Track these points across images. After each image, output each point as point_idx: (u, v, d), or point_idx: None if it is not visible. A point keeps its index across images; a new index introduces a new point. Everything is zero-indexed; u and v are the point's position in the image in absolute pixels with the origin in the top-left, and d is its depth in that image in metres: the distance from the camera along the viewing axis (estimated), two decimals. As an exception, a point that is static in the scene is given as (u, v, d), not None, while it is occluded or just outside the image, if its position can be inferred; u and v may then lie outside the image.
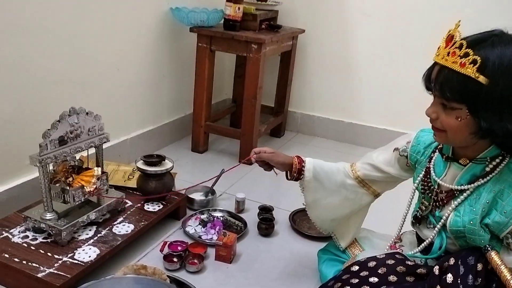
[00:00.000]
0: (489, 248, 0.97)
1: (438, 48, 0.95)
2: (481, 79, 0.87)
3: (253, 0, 2.49)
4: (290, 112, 2.84)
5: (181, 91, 2.46)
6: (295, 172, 1.28)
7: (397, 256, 1.08)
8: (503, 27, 0.92)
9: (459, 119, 0.93)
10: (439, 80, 0.93)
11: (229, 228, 1.70)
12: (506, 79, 0.87)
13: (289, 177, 1.32)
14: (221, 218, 1.74)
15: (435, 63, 0.95)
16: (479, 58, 0.87)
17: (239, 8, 2.18)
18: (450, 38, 0.92)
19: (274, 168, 1.31)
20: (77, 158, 1.47)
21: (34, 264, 1.26)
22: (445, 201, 1.05)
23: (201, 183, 1.62)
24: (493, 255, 0.95)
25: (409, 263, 1.05)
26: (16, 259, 1.27)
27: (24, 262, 1.27)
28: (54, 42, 1.63)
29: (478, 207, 0.99)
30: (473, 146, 0.98)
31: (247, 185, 2.08)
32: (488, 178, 0.98)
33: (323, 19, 2.63)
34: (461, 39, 0.90)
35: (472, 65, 0.87)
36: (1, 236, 1.37)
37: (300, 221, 1.77)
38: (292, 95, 2.79)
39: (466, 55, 0.88)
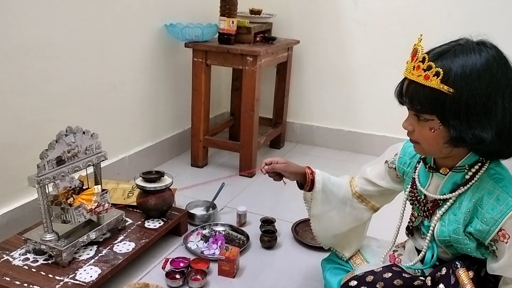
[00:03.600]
0: (458, 266, 0.97)
1: (407, 62, 0.96)
2: (446, 89, 0.88)
3: (247, 13, 2.51)
4: (288, 122, 2.84)
5: (179, 106, 2.46)
6: (308, 182, 1.28)
7: (394, 268, 1.07)
8: (469, 35, 0.94)
9: (433, 130, 0.94)
10: (409, 94, 0.95)
11: (231, 242, 1.69)
12: (469, 88, 0.88)
13: (304, 188, 1.30)
14: (223, 232, 1.73)
15: (405, 78, 0.97)
16: (441, 69, 0.88)
17: (233, 22, 2.20)
18: (414, 52, 0.94)
19: (284, 178, 1.30)
20: (76, 178, 1.47)
21: (35, 287, 1.25)
22: (431, 211, 1.06)
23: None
24: (461, 273, 0.96)
25: (406, 275, 1.05)
26: (17, 282, 1.26)
27: (26, 285, 1.25)
28: (51, 64, 1.64)
29: (460, 216, 0.98)
30: (452, 156, 0.99)
31: (248, 198, 2.07)
32: (468, 185, 0.98)
33: (317, 29, 2.64)
34: (424, 53, 0.92)
35: (435, 77, 0.89)
36: (2, 260, 1.36)
37: (302, 232, 1.76)
38: (290, 106, 2.79)
39: (429, 68, 0.89)
